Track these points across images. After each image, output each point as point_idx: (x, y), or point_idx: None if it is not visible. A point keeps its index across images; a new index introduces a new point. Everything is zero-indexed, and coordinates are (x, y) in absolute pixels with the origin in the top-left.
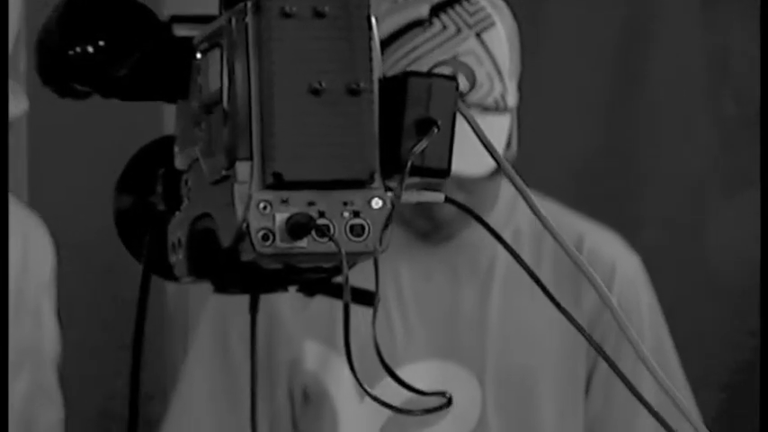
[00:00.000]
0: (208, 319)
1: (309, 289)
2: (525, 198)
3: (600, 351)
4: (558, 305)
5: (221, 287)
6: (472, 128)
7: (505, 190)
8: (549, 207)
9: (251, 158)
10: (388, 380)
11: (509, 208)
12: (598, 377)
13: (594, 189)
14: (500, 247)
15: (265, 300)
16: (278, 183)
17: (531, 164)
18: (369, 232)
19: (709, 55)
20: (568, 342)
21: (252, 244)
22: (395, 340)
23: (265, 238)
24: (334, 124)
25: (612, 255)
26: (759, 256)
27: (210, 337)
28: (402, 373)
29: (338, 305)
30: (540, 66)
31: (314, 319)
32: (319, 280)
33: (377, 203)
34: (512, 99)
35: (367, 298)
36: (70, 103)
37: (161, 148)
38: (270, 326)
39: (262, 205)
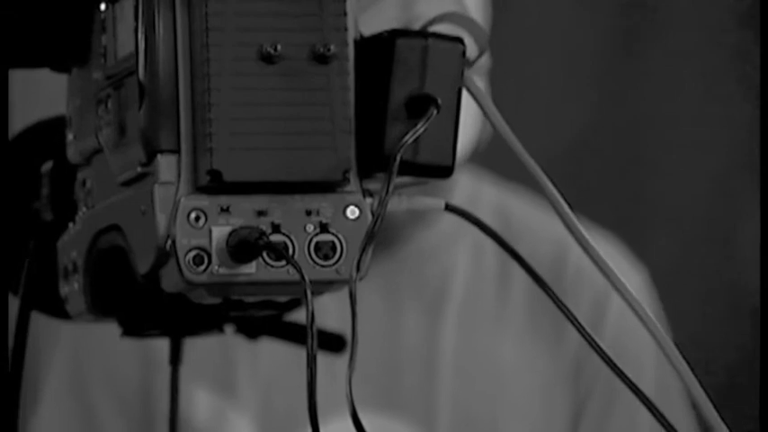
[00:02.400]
0: (62, 362)
1: (252, 330)
2: (559, 212)
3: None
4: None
5: (133, 328)
6: (483, 110)
7: (463, 186)
8: (524, 210)
9: (178, 151)
10: None
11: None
12: (586, 426)
13: (585, 177)
14: (458, 261)
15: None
16: (216, 184)
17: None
18: (342, 253)
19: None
20: (545, 386)
21: (179, 269)
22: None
23: (198, 261)
24: (294, 103)
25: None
26: None
27: (68, 392)
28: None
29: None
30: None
31: (204, 361)
32: (266, 318)
33: (353, 213)
34: None
35: (334, 343)
36: None
37: (46, 135)
38: (147, 371)
39: (193, 215)
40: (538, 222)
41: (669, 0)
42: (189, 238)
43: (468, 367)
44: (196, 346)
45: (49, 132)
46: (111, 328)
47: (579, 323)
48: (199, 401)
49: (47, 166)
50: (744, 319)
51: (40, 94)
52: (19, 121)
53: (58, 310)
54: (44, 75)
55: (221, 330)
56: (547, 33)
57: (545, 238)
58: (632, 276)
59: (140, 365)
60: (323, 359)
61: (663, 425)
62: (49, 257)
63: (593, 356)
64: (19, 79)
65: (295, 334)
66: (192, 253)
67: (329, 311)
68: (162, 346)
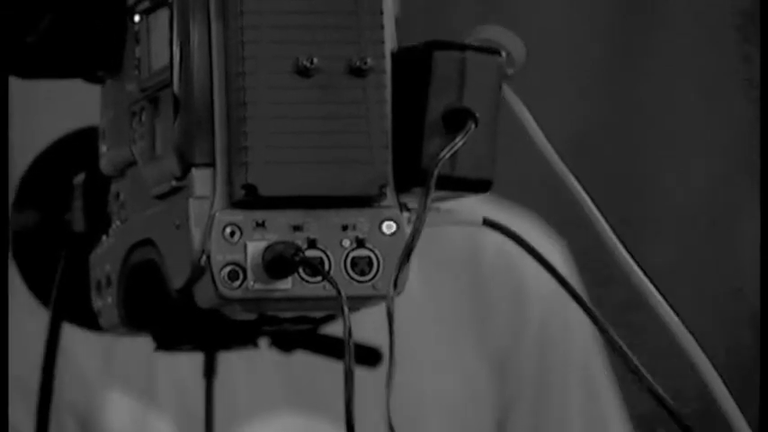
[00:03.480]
0: None
1: (286, 343)
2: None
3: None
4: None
5: (166, 343)
6: (522, 123)
7: None
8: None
9: (213, 165)
10: None
11: None
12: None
13: (584, 177)
14: None
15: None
16: (251, 199)
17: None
18: (378, 268)
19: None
20: (468, 384)
21: (214, 285)
22: (234, 387)
23: (233, 276)
24: (330, 116)
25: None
26: None
27: None
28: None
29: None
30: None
31: (124, 365)
32: (300, 331)
33: (389, 228)
34: None
35: (371, 357)
36: None
37: (79, 146)
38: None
39: (228, 230)
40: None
41: (669, 0)
42: (224, 254)
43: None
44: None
45: (82, 143)
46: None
47: (616, 339)
48: (112, 403)
49: (79, 177)
50: (744, 321)
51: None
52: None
53: (89, 322)
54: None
55: (255, 345)
56: (547, 34)
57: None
58: (552, 253)
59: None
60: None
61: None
62: (80, 269)
63: (518, 357)
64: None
65: (331, 347)
66: (228, 268)
67: (365, 322)
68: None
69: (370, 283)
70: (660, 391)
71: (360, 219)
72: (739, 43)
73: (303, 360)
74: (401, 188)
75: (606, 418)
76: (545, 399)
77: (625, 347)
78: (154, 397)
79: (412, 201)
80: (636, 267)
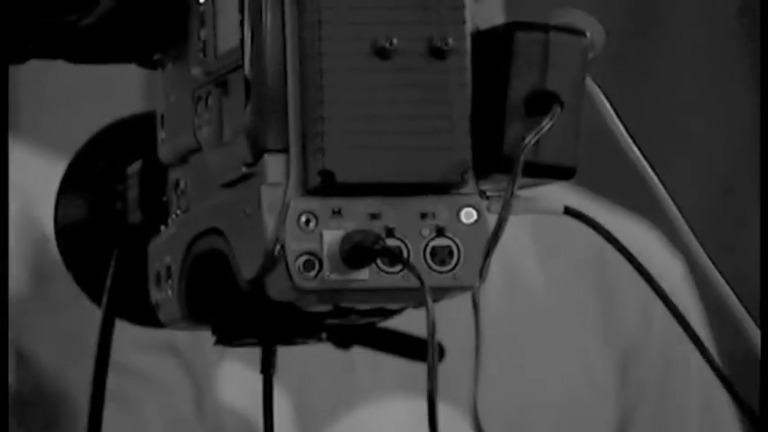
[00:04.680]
0: None
1: (344, 338)
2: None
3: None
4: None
5: (229, 337)
6: (600, 111)
7: None
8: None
9: (286, 150)
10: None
11: None
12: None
13: (586, 179)
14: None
15: None
16: (328, 186)
17: None
18: (459, 258)
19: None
20: (590, 380)
21: (289, 275)
22: (354, 369)
23: (309, 266)
24: (409, 100)
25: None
26: None
27: None
28: (365, 415)
29: None
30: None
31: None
32: (359, 325)
33: (470, 216)
34: None
35: (423, 351)
36: None
37: (134, 132)
38: None
39: (303, 218)
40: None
41: (674, 2)
42: (299, 243)
43: (507, 355)
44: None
45: (133, 130)
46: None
47: (700, 341)
48: (236, 378)
49: (134, 166)
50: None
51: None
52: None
53: (147, 317)
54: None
55: (319, 339)
56: None
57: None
58: (674, 266)
59: None
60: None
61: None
62: (137, 263)
63: (642, 358)
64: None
65: (389, 342)
66: (303, 258)
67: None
68: None
69: (450, 274)
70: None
71: (439, 206)
72: (744, 47)
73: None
74: (480, 174)
75: (721, 423)
76: (667, 401)
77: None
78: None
79: (490, 188)
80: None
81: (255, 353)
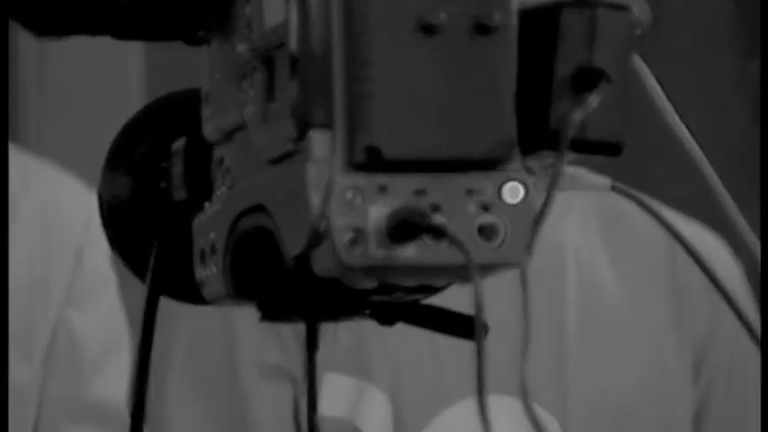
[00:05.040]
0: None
1: (387, 315)
2: (725, 209)
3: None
4: None
5: (273, 313)
6: (646, 89)
7: None
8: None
9: (332, 126)
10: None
11: None
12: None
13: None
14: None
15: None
16: (374, 162)
17: None
18: (505, 234)
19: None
20: (664, 371)
21: (334, 251)
22: (441, 370)
23: (355, 242)
24: (455, 76)
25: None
26: None
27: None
28: (454, 414)
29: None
30: None
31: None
32: (401, 303)
33: (516, 192)
34: None
35: (467, 328)
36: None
37: (178, 110)
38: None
39: (349, 194)
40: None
41: (670, 3)
42: (345, 219)
43: (591, 354)
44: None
45: (181, 107)
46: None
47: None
48: (333, 384)
49: (179, 143)
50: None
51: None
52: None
53: (191, 294)
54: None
55: (363, 314)
56: None
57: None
58: (734, 271)
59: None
60: (447, 348)
61: None
62: (182, 239)
63: (713, 351)
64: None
65: (433, 319)
66: (349, 234)
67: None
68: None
69: (496, 250)
70: None
71: (485, 183)
72: (738, 47)
73: (507, 338)
74: (525, 151)
75: None
76: (735, 394)
77: None
78: (369, 375)
79: (536, 164)
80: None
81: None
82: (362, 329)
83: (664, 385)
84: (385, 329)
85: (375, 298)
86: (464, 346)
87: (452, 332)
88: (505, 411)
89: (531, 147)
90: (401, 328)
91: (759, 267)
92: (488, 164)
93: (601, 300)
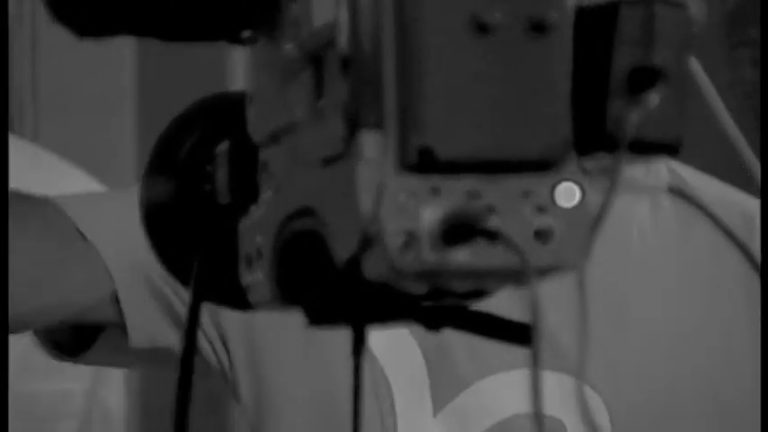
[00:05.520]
0: None
1: (435, 320)
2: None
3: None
4: None
5: (320, 318)
6: (700, 84)
7: None
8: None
9: (383, 126)
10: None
11: None
12: None
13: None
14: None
15: None
16: (426, 163)
17: None
18: (561, 236)
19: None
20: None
21: (387, 255)
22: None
23: (407, 246)
24: (510, 76)
25: None
26: None
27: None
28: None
29: None
30: None
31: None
32: (450, 307)
33: (572, 194)
34: None
35: (519, 334)
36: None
37: (221, 111)
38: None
39: (401, 197)
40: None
41: None
42: (397, 222)
43: (645, 333)
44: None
45: (224, 108)
46: None
47: None
48: None
49: (223, 145)
50: None
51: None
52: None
53: (236, 300)
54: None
55: (412, 320)
56: None
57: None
58: None
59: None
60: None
61: None
62: (226, 244)
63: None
64: None
65: (483, 325)
66: (401, 238)
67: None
68: None
69: (552, 253)
70: None
71: (540, 185)
72: (729, 46)
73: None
74: (581, 152)
75: None
76: None
77: None
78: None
79: (591, 165)
80: None
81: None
82: None
83: (731, 368)
84: None
85: (424, 303)
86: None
87: (504, 338)
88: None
89: (586, 148)
90: None
91: None
92: (543, 165)
93: (666, 282)
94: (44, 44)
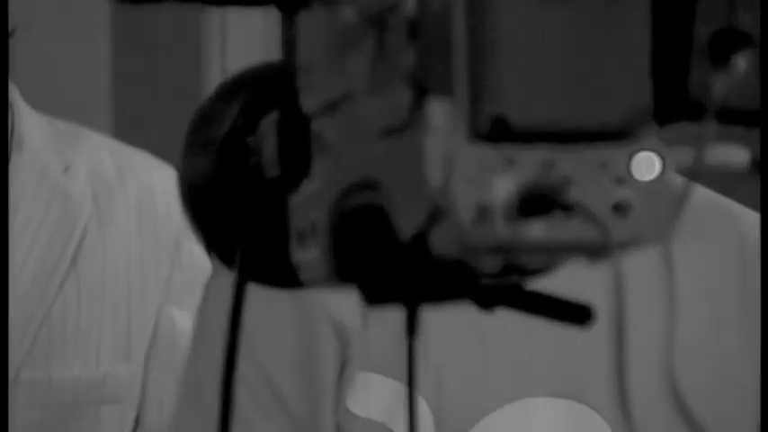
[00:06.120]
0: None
1: (491, 299)
2: None
3: None
4: None
5: (375, 297)
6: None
7: None
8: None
9: (453, 93)
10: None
11: None
12: None
13: None
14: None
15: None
16: (500, 132)
17: None
18: (640, 209)
19: None
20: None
21: (458, 229)
22: (487, 373)
23: (480, 219)
24: (586, 42)
25: None
26: None
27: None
28: (498, 418)
29: None
30: None
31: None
32: (507, 286)
33: (652, 165)
34: None
35: (580, 315)
36: None
37: (266, 81)
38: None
39: (474, 167)
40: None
41: None
42: (469, 194)
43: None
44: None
45: (270, 77)
46: None
47: None
48: (375, 386)
49: (270, 117)
50: None
51: None
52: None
53: (286, 278)
54: None
55: (466, 299)
56: None
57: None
58: None
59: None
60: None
61: None
62: (276, 221)
63: None
64: None
65: (540, 305)
66: (473, 210)
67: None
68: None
69: (632, 227)
70: None
71: (618, 155)
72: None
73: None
74: (661, 122)
75: None
76: None
77: None
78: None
79: (670, 136)
80: None
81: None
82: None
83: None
84: (427, 332)
85: (485, 281)
86: (513, 349)
87: (562, 319)
88: (544, 412)
89: (667, 117)
90: (445, 330)
91: None
92: (622, 134)
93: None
94: (19, 44)
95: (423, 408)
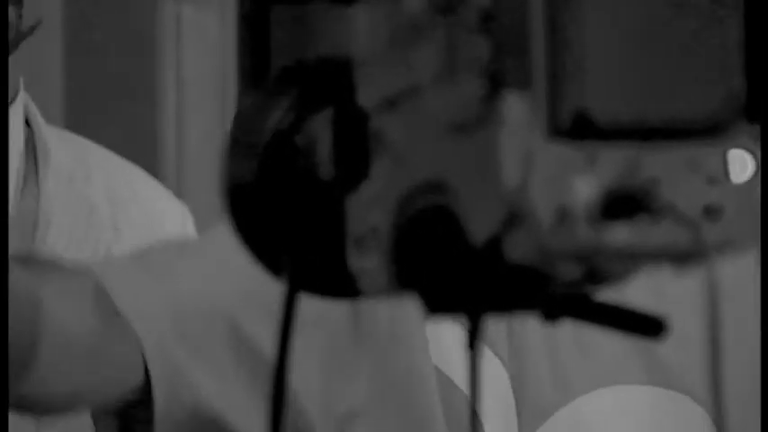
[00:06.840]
0: None
1: (558, 309)
2: None
3: None
4: None
5: (438, 306)
6: None
7: None
8: None
9: (530, 87)
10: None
11: None
12: None
13: None
14: None
15: None
16: (581, 129)
17: None
18: (733, 212)
19: None
20: None
21: (536, 233)
22: (559, 359)
23: (560, 222)
24: (674, 34)
25: None
26: None
27: None
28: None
29: None
30: None
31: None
32: (575, 296)
33: (744, 164)
34: None
35: (650, 326)
36: None
37: (322, 75)
38: None
39: (553, 167)
40: None
41: None
42: (548, 196)
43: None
44: None
45: (327, 71)
46: None
47: None
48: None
49: (323, 114)
50: None
51: None
52: None
53: (341, 287)
54: None
55: (530, 310)
56: None
57: None
58: None
59: None
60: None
61: None
62: (331, 226)
63: None
64: None
65: (609, 316)
66: (553, 213)
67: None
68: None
69: (724, 231)
70: None
71: (709, 154)
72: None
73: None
74: (752, 118)
75: None
76: None
77: None
78: (494, 347)
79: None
80: None
81: None
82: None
83: None
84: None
85: (555, 290)
86: (586, 342)
87: (633, 331)
88: (629, 400)
89: (758, 113)
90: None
91: None
92: (712, 132)
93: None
94: None
95: (502, 374)
